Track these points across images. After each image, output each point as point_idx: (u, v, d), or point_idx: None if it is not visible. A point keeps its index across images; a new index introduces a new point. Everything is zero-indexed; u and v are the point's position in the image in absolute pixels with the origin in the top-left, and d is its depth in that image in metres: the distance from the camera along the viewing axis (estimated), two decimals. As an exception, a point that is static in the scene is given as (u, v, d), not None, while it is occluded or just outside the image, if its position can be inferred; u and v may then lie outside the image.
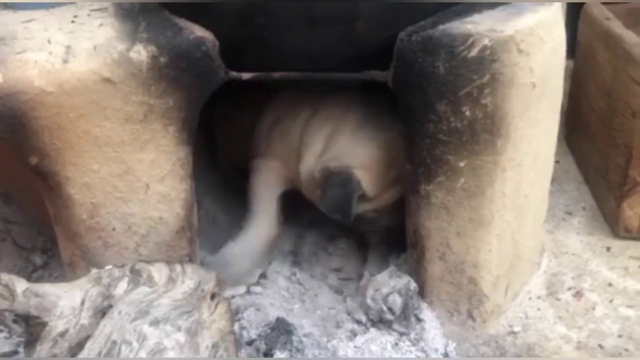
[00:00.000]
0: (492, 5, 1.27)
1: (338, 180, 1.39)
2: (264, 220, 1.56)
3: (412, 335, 1.35)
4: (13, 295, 1.08)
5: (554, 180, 1.53)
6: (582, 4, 1.92)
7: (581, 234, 1.72)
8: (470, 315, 1.40)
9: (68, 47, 1.18)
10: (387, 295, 1.33)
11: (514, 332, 1.42)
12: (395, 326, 1.35)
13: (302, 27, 1.23)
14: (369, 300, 1.34)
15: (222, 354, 1.06)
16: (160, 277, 1.12)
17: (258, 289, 1.53)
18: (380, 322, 1.35)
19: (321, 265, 1.62)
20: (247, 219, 1.56)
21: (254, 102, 1.63)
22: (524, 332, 1.42)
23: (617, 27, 1.70)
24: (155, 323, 1.01)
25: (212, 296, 1.13)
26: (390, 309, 1.33)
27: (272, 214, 1.57)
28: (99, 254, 1.30)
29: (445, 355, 1.35)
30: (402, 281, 1.35)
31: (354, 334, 1.35)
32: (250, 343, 1.34)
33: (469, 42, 1.17)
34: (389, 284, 1.35)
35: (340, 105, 1.49)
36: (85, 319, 1.06)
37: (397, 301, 1.33)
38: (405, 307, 1.34)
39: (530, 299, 1.50)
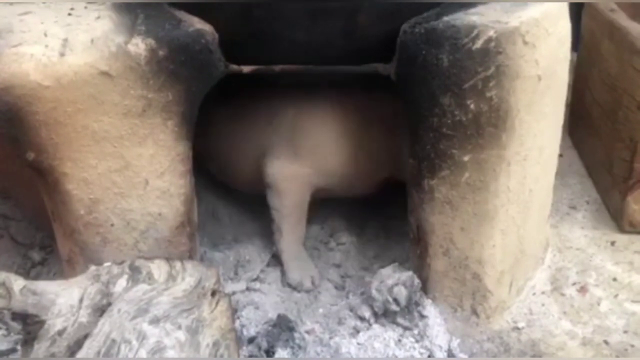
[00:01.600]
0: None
1: None
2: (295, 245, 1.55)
3: (416, 331, 1.34)
4: (10, 294, 1.06)
5: (557, 174, 1.51)
6: (585, -5, 1.90)
7: (585, 228, 1.70)
8: (474, 311, 1.38)
9: (65, 40, 1.15)
10: (392, 286, 1.32)
11: (518, 328, 1.40)
12: (399, 320, 1.33)
13: (302, 19, 1.21)
14: (374, 292, 1.33)
15: (223, 352, 1.04)
16: (160, 274, 1.10)
17: (257, 285, 1.52)
18: (384, 315, 1.33)
19: (322, 261, 1.61)
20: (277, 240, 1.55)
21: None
22: (528, 328, 1.40)
23: (622, 19, 1.68)
24: (155, 321, 1.00)
25: (213, 293, 1.11)
26: (395, 300, 1.31)
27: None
28: (98, 250, 1.29)
29: (449, 351, 1.34)
30: (406, 274, 1.34)
31: (356, 331, 1.34)
32: (251, 340, 1.33)
33: (474, 33, 1.15)
34: (393, 276, 1.33)
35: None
36: (83, 317, 1.04)
37: (402, 292, 1.32)
38: (409, 300, 1.33)
39: (534, 294, 1.49)
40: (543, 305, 1.46)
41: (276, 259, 1.59)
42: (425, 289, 1.38)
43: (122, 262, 1.14)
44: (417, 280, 1.35)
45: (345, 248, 1.64)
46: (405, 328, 1.34)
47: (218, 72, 1.23)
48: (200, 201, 1.37)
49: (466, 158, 1.24)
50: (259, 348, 1.30)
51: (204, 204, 1.62)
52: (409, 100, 1.23)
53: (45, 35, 1.17)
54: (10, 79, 1.11)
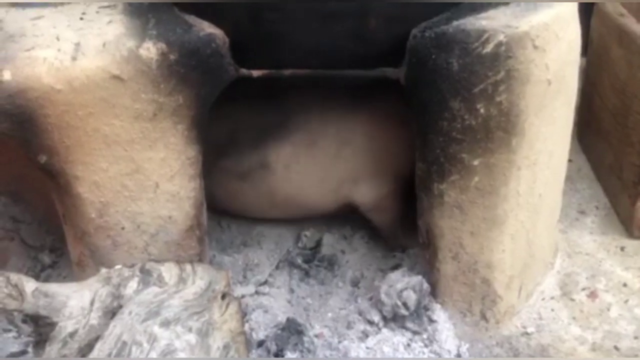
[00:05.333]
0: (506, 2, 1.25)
1: None
2: None
3: (425, 336, 1.34)
4: (22, 295, 1.07)
5: (566, 179, 1.51)
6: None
7: (595, 233, 1.69)
8: (484, 316, 1.38)
9: (77, 44, 1.17)
10: (402, 290, 1.32)
11: (527, 333, 1.40)
12: (408, 324, 1.33)
13: (312, 23, 1.21)
14: (382, 296, 1.33)
15: (233, 355, 1.05)
16: (170, 277, 1.11)
17: (266, 288, 1.52)
18: (393, 319, 1.33)
19: (332, 265, 1.60)
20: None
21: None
22: (537, 333, 1.40)
23: (632, 23, 1.68)
24: (165, 324, 1.00)
25: (223, 296, 1.11)
26: (404, 304, 1.31)
27: None
28: (108, 253, 1.29)
29: (458, 356, 1.33)
30: (415, 278, 1.34)
31: (365, 335, 1.34)
32: (260, 344, 1.33)
33: (484, 38, 1.15)
34: (402, 280, 1.34)
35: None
36: (94, 319, 1.05)
37: (411, 296, 1.32)
38: (418, 305, 1.33)
39: (544, 299, 1.48)
40: (552, 310, 1.46)
41: (285, 264, 1.59)
42: (434, 293, 1.38)
43: (132, 265, 1.15)
44: (426, 285, 1.35)
45: (356, 253, 1.64)
46: (414, 332, 1.34)
47: (228, 76, 1.24)
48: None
49: (476, 162, 1.24)
50: (268, 351, 1.30)
51: (209, 210, 1.61)
52: (419, 104, 1.23)
53: (58, 39, 1.18)
54: (24, 82, 1.12)
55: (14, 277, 1.09)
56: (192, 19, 1.24)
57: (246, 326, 1.34)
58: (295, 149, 1.48)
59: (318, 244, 1.62)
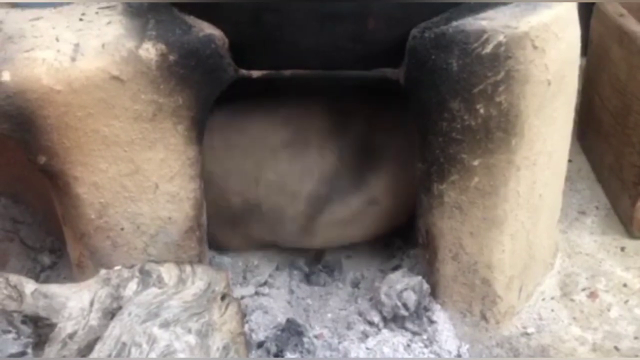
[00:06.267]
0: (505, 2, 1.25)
1: None
2: None
3: (425, 337, 1.34)
4: (21, 296, 1.07)
5: (566, 179, 1.51)
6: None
7: (595, 233, 1.69)
8: (484, 317, 1.38)
9: (76, 45, 1.17)
10: (402, 291, 1.32)
11: (527, 334, 1.40)
12: (408, 325, 1.33)
13: (311, 24, 1.21)
14: (382, 297, 1.33)
15: (233, 356, 1.04)
16: (170, 277, 1.11)
17: (266, 289, 1.52)
18: (393, 320, 1.33)
19: (332, 267, 1.60)
20: None
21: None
22: (537, 333, 1.40)
23: (632, 24, 1.68)
24: (165, 325, 1.00)
25: (223, 297, 1.11)
26: (404, 305, 1.31)
27: None
28: (108, 254, 1.29)
29: (458, 356, 1.33)
30: (415, 279, 1.34)
31: (365, 336, 1.34)
32: (260, 345, 1.33)
33: (483, 38, 1.15)
34: (402, 281, 1.33)
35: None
36: (94, 320, 1.05)
37: (411, 297, 1.32)
38: (418, 305, 1.33)
39: (544, 299, 1.48)
40: (552, 310, 1.46)
41: (284, 265, 1.59)
42: (434, 294, 1.38)
43: (132, 266, 1.15)
44: (426, 285, 1.35)
45: (356, 253, 1.64)
46: (414, 333, 1.34)
47: (228, 76, 1.24)
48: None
49: (475, 163, 1.24)
50: (268, 352, 1.30)
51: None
52: (418, 105, 1.23)
53: (57, 40, 1.18)
54: (23, 83, 1.12)
55: (14, 278, 1.09)
56: (191, 19, 1.24)
57: (246, 327, 1.34)
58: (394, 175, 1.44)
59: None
